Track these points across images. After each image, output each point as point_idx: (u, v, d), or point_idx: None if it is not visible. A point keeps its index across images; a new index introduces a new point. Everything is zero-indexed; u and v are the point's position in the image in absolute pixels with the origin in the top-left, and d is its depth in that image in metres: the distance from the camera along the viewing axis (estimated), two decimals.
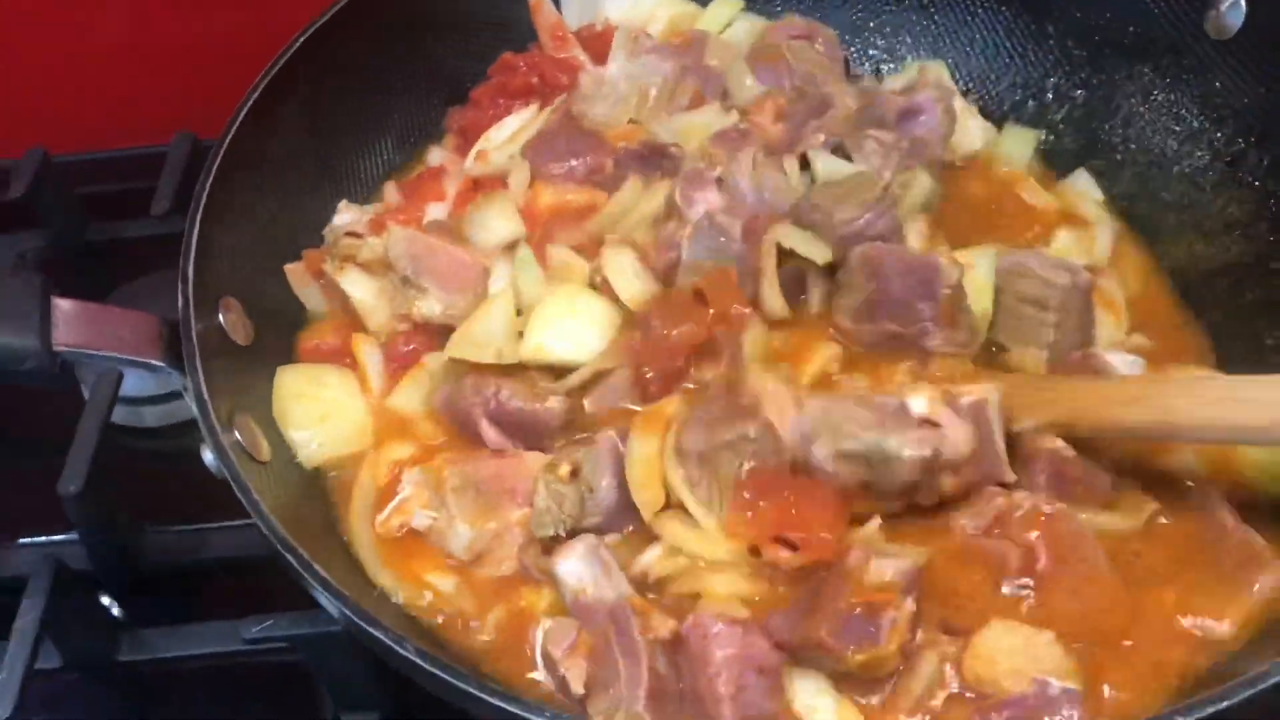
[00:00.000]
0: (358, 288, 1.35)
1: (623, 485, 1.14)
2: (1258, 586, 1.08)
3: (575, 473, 1.14)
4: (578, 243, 1.32)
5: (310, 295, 1.40)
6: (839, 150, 1.37)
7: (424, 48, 1.59)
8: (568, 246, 1.31)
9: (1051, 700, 1.00)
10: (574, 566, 1.10)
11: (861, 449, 1.08)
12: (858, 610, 1.00)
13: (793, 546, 1.07)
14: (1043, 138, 1.58)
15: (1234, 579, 1.09)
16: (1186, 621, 1.09)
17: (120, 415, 1.48)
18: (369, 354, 1.33)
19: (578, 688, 1.04)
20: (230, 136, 1.30)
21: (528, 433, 1.21)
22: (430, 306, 1.29)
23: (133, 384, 1.48)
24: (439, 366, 1.28)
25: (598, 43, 1.58)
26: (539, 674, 1.10)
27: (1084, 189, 1.51)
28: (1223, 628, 1.08)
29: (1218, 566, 1.11)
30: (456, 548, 1.17)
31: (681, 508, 1.13)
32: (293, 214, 1.44)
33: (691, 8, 1.66)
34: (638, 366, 1.20)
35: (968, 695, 1.04)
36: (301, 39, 1.43)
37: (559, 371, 1.23)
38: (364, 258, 1.35)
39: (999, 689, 1.02)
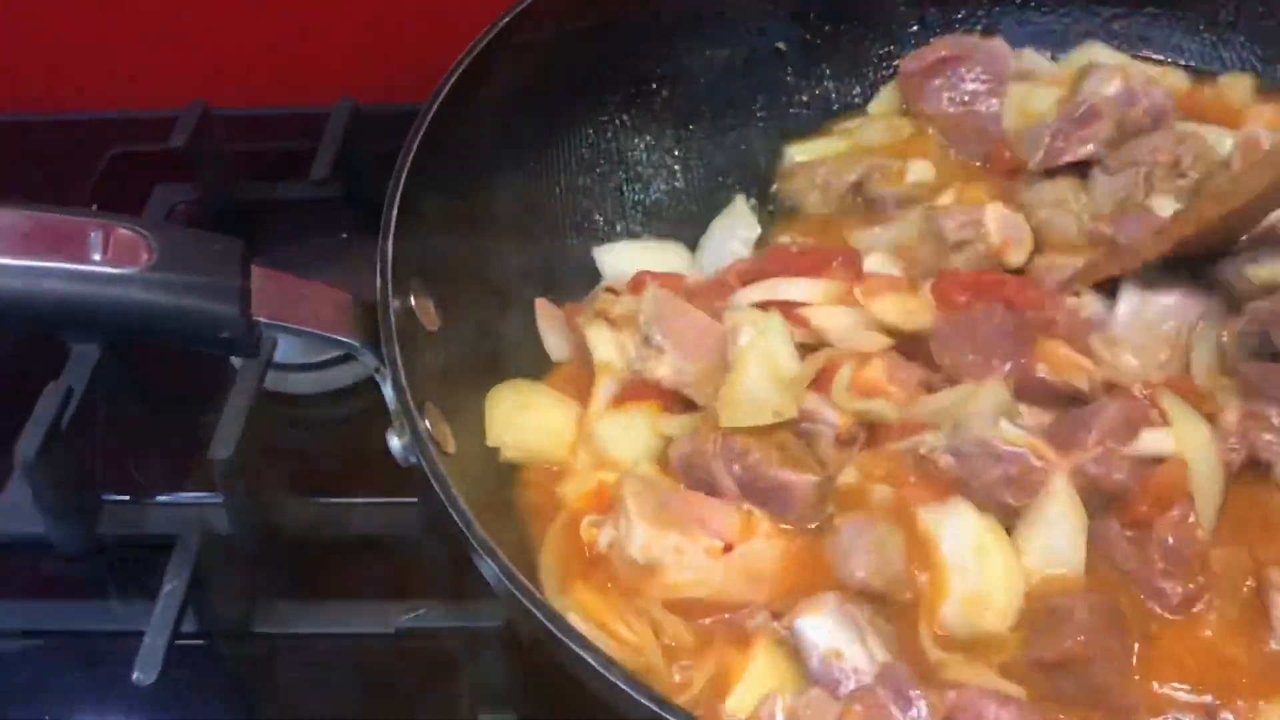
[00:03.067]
0: (601, 341, 1.32)
1: None
2: None
3: None
4: None
5: (549, 334, 1.37)
6: None
7: None
8: None
9: None
10: (823, 623, 1.00)
11: None
12: None
13: None
14: None
15: None
16: None
17: (268, 381, 1.43)
18: (607, 382, 1.29)
19: None
20: (433, 111, 1.24)
21: (769, 500, 1.14)
22: (663, 369, 1.25)
23: (281, 350, 1.44)
24: (674, 429, 1.23)
25: None
26: None
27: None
28: None
29: None
30: (633, 549, 1.10)
31: None
32: (490, 203, 1.37)
33: None
34: None
35: None
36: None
37: (812, 441, 1.18)
38: (615, 314, 1.32)
39: None
